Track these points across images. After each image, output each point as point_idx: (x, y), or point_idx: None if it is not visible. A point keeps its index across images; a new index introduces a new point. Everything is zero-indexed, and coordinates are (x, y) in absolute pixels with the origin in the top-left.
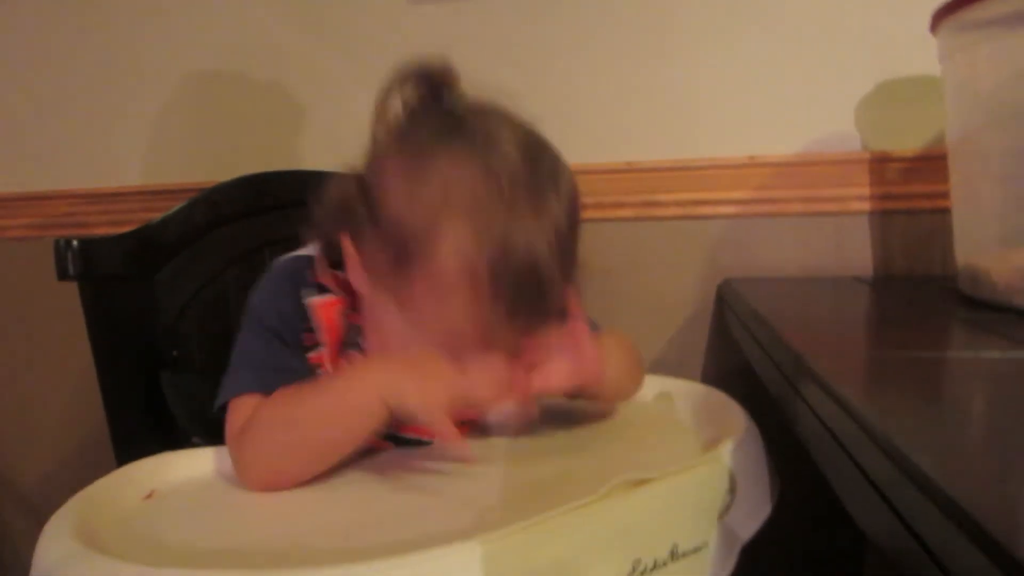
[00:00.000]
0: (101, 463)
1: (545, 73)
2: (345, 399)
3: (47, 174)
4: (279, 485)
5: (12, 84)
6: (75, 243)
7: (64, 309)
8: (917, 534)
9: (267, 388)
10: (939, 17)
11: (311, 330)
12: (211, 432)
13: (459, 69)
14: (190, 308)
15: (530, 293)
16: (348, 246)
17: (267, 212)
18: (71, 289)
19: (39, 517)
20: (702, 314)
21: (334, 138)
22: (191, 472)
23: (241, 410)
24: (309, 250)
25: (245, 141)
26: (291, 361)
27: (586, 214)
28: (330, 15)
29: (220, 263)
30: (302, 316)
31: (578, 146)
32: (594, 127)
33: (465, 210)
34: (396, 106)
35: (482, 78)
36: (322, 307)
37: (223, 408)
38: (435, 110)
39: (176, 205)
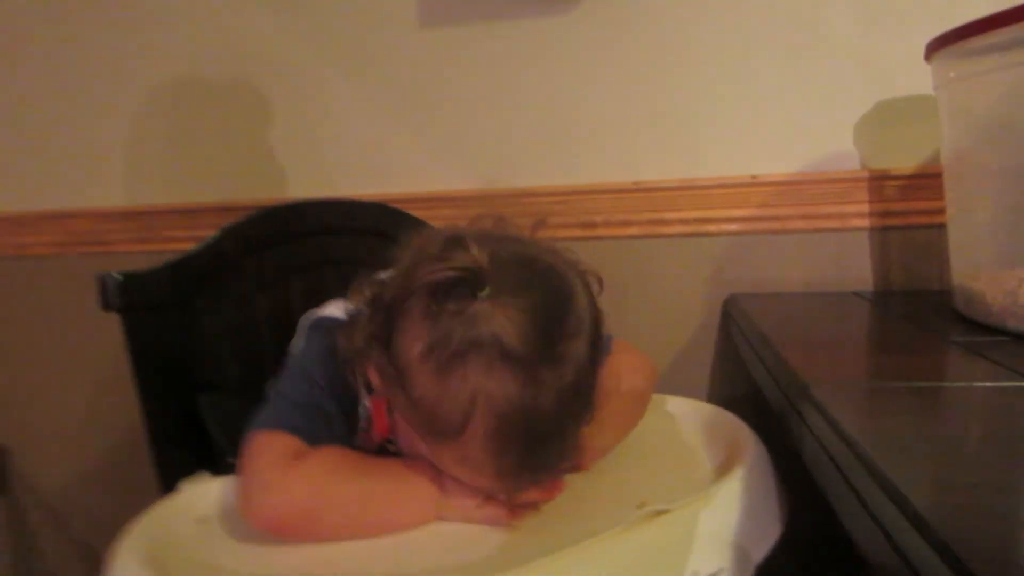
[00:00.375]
0: (122, 468)
1: (555, 97)
2: (389, 499)
3: (69, 192)
4: (296, 531)
5: (36, 106)
6: (117, 276)
7: (85, 322)
8: (913, 566)
9: (309, 436)
10: (933, 48)
11: (354, 407)
12: None
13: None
14: (224, 333)
15: (555, 448)
16: (376, 379)
17: (292, 240)
18: (90, 303)
19: (62, 521)
20: (708, 328)
21: (342, 161)
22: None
23: (281, 442)
24: (340, 311)
25: (257, 163)
26: (335, 418)
27: (595, 232)
28: (339, 37)
29: (250, 289)
30: (348, 391)
31: (587, 166)
32: (602, 148)
33: (493, 409)
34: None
35: (492, 101)
36: (376, 409)
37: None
38: (464, 293)
39: (193, 223)
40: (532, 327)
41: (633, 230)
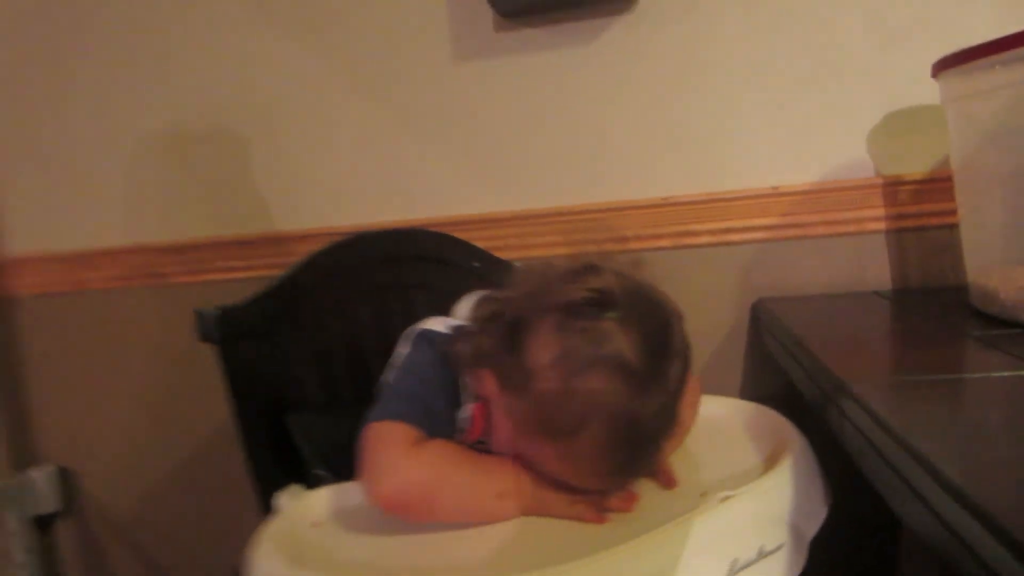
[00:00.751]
0: (184, 486)
1: (585, 121)
2: (492, 490)
3: (126, 229)
4: (415, 511)
5: (97, 150)
6: (215, 311)
7: (145, 349)
8: (955, 532)
9: (422, 428)
10: (939, 68)
11: (456, 408)
12: (331, 465)
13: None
14: (304, 357)
15: (648, 453)
16: (492, 385)
17: (361, 268)
18: (149, 331)
19: (128, 538)
20: (737, 331)
21: (383, 194)
22: (344, 504)
23: (401, 430)
24: (441, 325)
25: (299, 194)
26: (442, 416)
27: (627, 245)
28: (374, 73)
29: (326, 315)
30: (453, 393)
31: (618, 185)
32: (632, 167)
33: (608, 413)
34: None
35: (525, 128)
36: (476, 412)
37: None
38: (595, 313)
39: (246, 253)
40: (646, 348)
41: (663, 242)
